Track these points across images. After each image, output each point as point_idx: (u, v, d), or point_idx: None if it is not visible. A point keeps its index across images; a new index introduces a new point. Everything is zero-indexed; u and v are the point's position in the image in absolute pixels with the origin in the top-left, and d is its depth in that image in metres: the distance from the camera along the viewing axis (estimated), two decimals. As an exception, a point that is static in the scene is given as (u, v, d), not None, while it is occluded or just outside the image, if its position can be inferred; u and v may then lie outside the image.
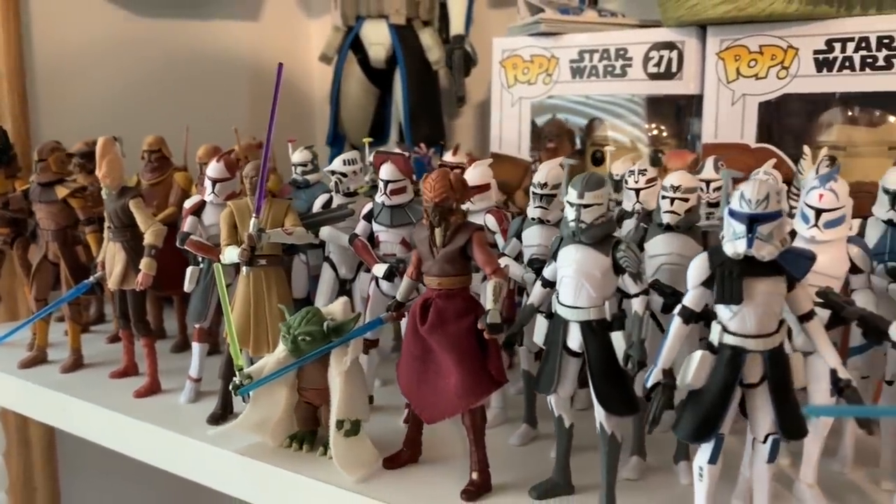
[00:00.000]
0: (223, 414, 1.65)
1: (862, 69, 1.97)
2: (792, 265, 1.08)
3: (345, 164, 1.79)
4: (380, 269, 1.60)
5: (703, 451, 1.15)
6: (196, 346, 1.79)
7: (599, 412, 1.25)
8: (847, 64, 1.98)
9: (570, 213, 1.23)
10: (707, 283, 1.11)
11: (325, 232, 1.77)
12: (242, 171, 1.62)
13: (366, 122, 2.99)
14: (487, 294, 1.31)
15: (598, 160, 2.47)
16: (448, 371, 1.35)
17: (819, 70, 2.02)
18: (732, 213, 1.08)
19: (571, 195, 1.22)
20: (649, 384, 1.13)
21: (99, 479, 2.73)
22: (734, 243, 1.07)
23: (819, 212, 1.24)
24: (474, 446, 1.37)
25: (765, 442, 1.14)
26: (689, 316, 1.13)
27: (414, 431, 1.48)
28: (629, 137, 2.41)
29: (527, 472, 1.43)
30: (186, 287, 1.75)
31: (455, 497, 1.36)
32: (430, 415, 1.40)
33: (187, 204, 1.75)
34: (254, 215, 1.53)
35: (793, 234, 1.30)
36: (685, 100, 2.24)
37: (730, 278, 1.07)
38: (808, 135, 2.13)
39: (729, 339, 1.11)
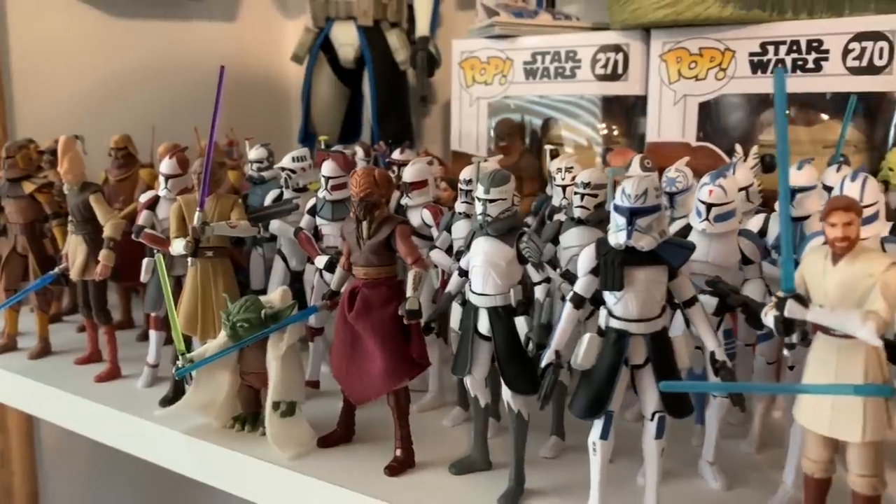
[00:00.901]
0: (174, 397, 1.74)
1: (793, 71, 2.05)
2: (670, 255, 1.17)
3: (294, 160, 1.89)
4: (321, 261, 1.70)
5: (596, 428, 1.24)
6: (153, 334, 1.89)
7: (506, 392, 1.35)
8: (780, 66, 2.07)
9: (478, 208, 1.33)
10: (595, 272, 1.20)
11: (275, 225, 1.87)
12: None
13: (336, 120, 3.09)
14: (408, 282, 1.41)
15: (555, 157, 2.56)
16: (373, 355, 1.44)
17: (754, 71, 2.11)
18: (615, 207, 1.17)
19: (479, 191, 1.32)
20: (542, 365, 1.23)
21: (78, 465, 2.83)
22: (616, 235, 1.17)
23: (709, 206, 1.33)
24: (398, 425, 1.47)
25: (652, 419, 1.23)
26: (579, 302, 1.22)
27: (347, 412, 1.58)
28: (584, 137, 2.50)
29: (455, 450, 1.53)
30: (142, 277, 1.85)
31: (381, 472, 1.45)
32: (358, 396, 1.50)
33: (142, 199, 1.85)
34: (198, 209, 1.62)
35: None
36: (633, 100, 2.33)
37: (612, 267, 1.17)
38: (748, 134, 2.22)
39: (614, 323, 1.20)
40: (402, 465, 1.45)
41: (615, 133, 2.47)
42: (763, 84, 2.10)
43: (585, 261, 1.21)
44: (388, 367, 1.43)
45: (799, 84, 2.05)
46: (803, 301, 1.04)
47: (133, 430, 1.72)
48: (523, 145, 2.45)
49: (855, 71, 1.98)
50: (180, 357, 1.56)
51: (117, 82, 2.90)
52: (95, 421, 1.80)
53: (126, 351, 2.01)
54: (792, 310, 1.04)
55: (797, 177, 1.46)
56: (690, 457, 1.48)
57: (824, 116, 2.11)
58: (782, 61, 2.06)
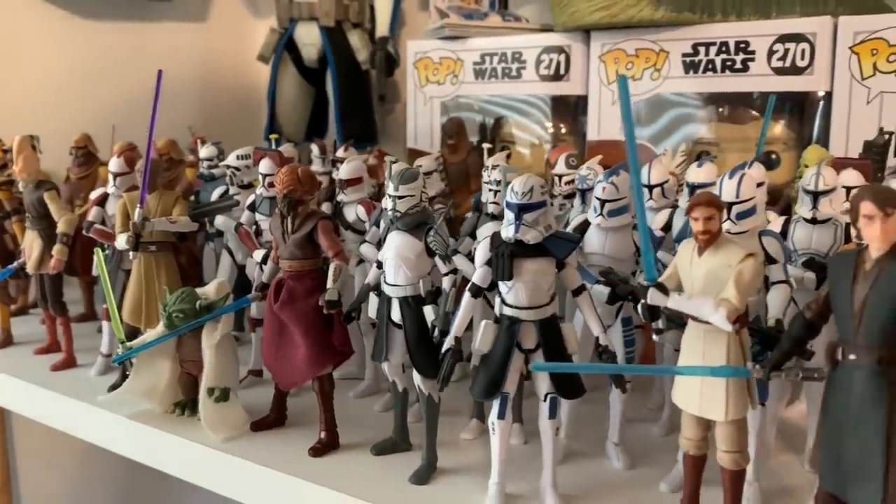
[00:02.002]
0: (122, 384, 1.83)
1: (723, 71, 2.14)
2: (555, 248, 1.26)
3: (238, 158, 1.98)
4: (258, 255, 1.78)
5: (494, 408, 1.33)
6: (105, 325, 1.97)
7: (416, 376, 1.44)
8: (710, 66, 2.15)
9: (388, 204, 1.41)
10: (490, 263, 1.29)
11: (220, 221, 1.96)
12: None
13: (302, 118, 3.18)
14: (329, 275, 1.49)
15: (507, 156, 2.64)
16: (298, 343, 1.53)
17: (686, 72, 2.19)
18: (507, 204, 1.26)
19: (390, 188, 1.41)
20: (443, 350, 1.31)
21: (52, 457, 2.91)
22: (507, 229, 1.26)
23: (603, 202, 1.41)
24: (322, 409, 1.56)
25: (545, 400, 1.32)
26: (476, 291, 1.31)
27: (279, 398, 1.67)
28: (534, 135, 2.58)
29: (383, 433, 1.61)
30: (94, 271, 1.93)
31: (307, 454, 1.54)
32: (285, 382, 1.59)
33: (92, 196, 1.94)
34: (138, 206, 1.71)
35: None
36: (575, 99, 2.41)
37: (503, 259, 1.25)
38: (683, 132, 2.30)
39: (507, 311, 1.29)
40: (325, 447, 1.54)
41: (563, 131, 2.55)
42: (696, 84, 2.18)
43: (481, 253, 1.30)
44: (311, 354, 1.52)
45: (728, 84, 2.13)
46: (664, 290, 1.13)
47: (81, 415, 1.81)
48: (471, 143, 2.53)
49: (779, 71, 2.06)
50: (120, 345, 1.65)
51: (83, 82, 2.97)
52: (47, 407, 1.89)
53: (86, 342, 2.10)
54: (653, 297, 1.13)
55: (697, 174, 1.55)
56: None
57: (755, 114, 2.19)
58: (712, 62, 2.14)
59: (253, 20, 3.67)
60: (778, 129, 2.22)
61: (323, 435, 1.55)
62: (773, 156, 2.09)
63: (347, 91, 3.02)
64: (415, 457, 1.51)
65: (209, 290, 1.67)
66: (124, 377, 1.85)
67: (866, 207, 0.96)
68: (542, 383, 1.32)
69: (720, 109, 2.25)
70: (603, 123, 2.34)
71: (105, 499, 3.12)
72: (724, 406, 1.15)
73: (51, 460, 2.93)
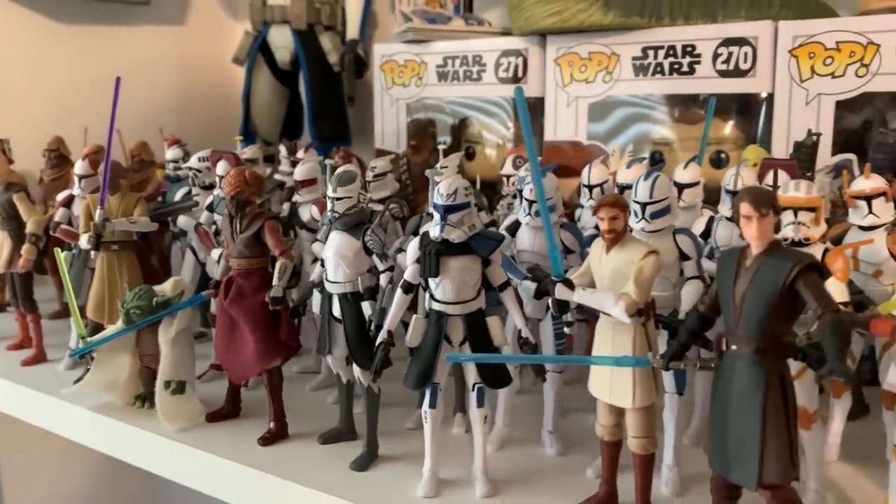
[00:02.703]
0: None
1: (671, 74, 2.21)
2: (479, 246, 1.34)
3: (199, 160, 2.05)
4: (215, 253, 1.84)
5: (426, 398, 1.41)
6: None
7: (356, 369, 1.51)
8: (659, 69, 2.22)
9: (328, 205, 1.49)
10: (419, 261, 1.36)
11: (182, 221, 2.03)
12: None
13: (276, 119, 3.25)
14: (275, 272, 1.57)
15: (471, 156, 2.72)
16: (247, 338, 1.61)
17: (636, 74, 2.26)
18: (434, 205, 1.33)
19: (329, 190, 1.48)
20: (376, 343, 1.39)
21: (35, 456, 2.99)
22: (433, 229, 1.33)
23: (531, 203, 1.49)
24: (271, 401, 1.64)
25: (473, 390, 1.39)
26: (408, 287, 1.39)
27: (232, 390, 1.74)
28: (498, 135, 2.66)
29: (332, 424, 1.69)
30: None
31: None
32: (236, 375, 1.67)
33: (59, 197, 2.01)
34: (99, 207, 1.78)
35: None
36: (533, 101, 2.48)
37: (429, 257, 1.33)
38: (639, 132, 2.37)
39: (435, 306, 1.37)
40: (274, 437, 1.62)
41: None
42: (645, 86, 2.26)
43: (411, 252, 1.37)
44: (259, 349, 1.59)
45: (676, 86, 2.21)
46: (570, 285, 1.21)
47: (47, 408, 1.88)
48: (433, 144, 2.60)
49: (724, 74, 2.13)
50: (80, 340, 1.72)
51: (59, 85, 3.03)
52: (15, 400, 1.97)
53: (59, 338, 2.18)
54: (560, 292, 1.21)
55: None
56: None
57: (704, 115, 2.26)
58: (661, 65, 2.22)
59: (231, 23, 3.74)
60: (728, 129, 2.29)
61: (272, 425, 1.63)
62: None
63: (319, 92, 3.09)
64: (360, 445, 1.59)
65: (166, 288, 1.74)
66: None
67: (744, 208, 1.03)
68: (470, 374, 1.39)
69: (672, 110, 2.32)
70: (559, 125, 2.42)
71: (87, 493, 3.20)
72: (632, 394, 1.23)
73: (32, 455, 3.00)
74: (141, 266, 2.01)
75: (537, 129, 2.51)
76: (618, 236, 1.22)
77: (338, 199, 1.47)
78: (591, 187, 1.78)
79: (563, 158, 2.37)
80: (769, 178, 1.60)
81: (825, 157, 2.01)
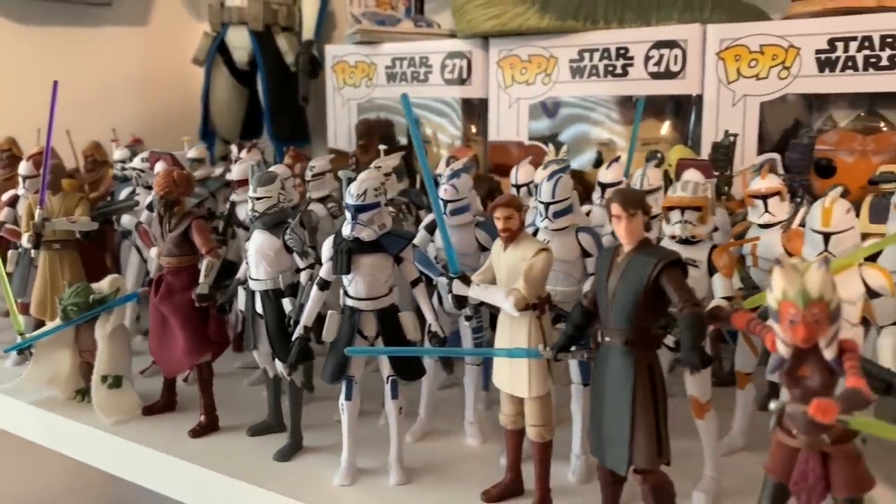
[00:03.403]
0: (30, 373, 1.96)
1: (605, 76, 2.27)
2: (390, 244, 1.40)
3: (142, 161, 2.10)
4: (154, 251, 1.90)
5: (342, 391, 1.47)
6: (21, 319, 2.09)
7: (278, 364, 1.57)
8: (594, 71, 2.29)
9: (249, 205, 1.54)
10: (332, 259, 1.42)
11: (125, 220, 2.08)
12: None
13: (235, 119, 3.29)
14: (202, 270, 1.62)
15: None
16: (176, 334, 1.66)
17: (573, 76, 2.32)
18: (345, 205, 1.39)
19: (250, 190, 1.53)
20: (293, 338, 1.45)
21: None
22: (345, 227, 1.39)
23: (446, 203, 1.55)
24: (202, 395, 1.69)
25: (387, 382, 1.46)
26: (323, 284, 1.45)
27: (168, 385, 1.80)
28: (449, 135, 2.72)
29: (263, 417, 1.74)
30: (7, 268, 2.05)
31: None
32: (168, 370, 1.72)
33: (3, 197, 2.06)
34: (38, 207, 1.83)
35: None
36: (477, 102, 2.54)
37: (341, 254, 1.39)
38: (581, 134, 2.44)
39: (349, 302, 1.42)
40: (204, 429, 1.67)
41: (473, 132, 2.69)
42: (582, 88, 2.32)
43: (325, 250, 1.43)
44: (188, 345, 1.65)
45: (610, 87, 2.27)
46: (466, 280, 1.27)
47: (-7, 404, 1.93)
48: (379, 143, 2.64)
49: (655, 76, 2.20)
50: (19, 336, 1.77)
51: (19, 86, 3.07)
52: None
53: (9, 335, 2.22)
54: (457, 288, 1.27)
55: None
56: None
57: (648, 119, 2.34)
58: (596, 67, 2.28)
59: (193, 24, 3.77)
60: (664, 129, 2.36)
61: (203, 418, 1.69)
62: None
63: (276, 92, 3.14)
64: (286, 437, 1.64)
65: (103, 285, 1.79)
66: (35, 367, 1.98)
67: (614, 209, 1.09)
68: (384, 367, 1.45)
69: (611, 112, 2.39)
70: (502, 125, 2.48)
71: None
72: (528, 384, 1.29)
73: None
74: (94, 265, 2.07)
75: (482, 130, 2.58)
76: (513, 235, 1.28)
77: (258, 198, 1.52)
78: (518, 186, 1.85)
79: (506, 158, 2.43)
80: (688, 176, 1.67)
81: (752, 156, 2.09)
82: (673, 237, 1.32)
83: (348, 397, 1.46)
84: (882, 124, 2.01)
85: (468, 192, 1.55)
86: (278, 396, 1.68)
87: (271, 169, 1.60)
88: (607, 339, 1.13)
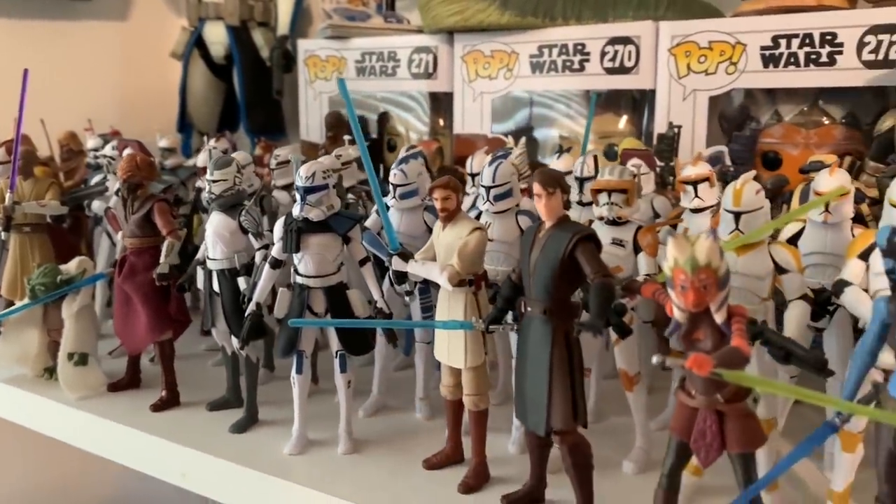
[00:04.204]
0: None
1: (563, 71, 2.35)
2: (337, 224, 1.47)
3: (112, 149, 2.17)
4: (121, 235, 1.97)
5: (293, 365, 1.54)
6: (-8, 300, 2.16)
7: (234, 340, 1.64)
8: (553, 66, 2.37)
9: (206, 187, 1.62)
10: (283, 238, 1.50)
11: (96, 205, 2.15)
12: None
13: (212, 112, 3.36)
14: (162, 251, 1.70)
15: (392, 147, 2.85)
16: (139, 313, 1.74)
17: (533, 72, 2.40)
18: (296, 187, 1.47)
19: (207, 174, 1.61)
20: (246, 314, 1.52)
21: None
22: (295, 208, 1.46)
23: (395, 186, 1.62)
24: (163, 371, 1.76)
25: (336, 356, 1.53)
26: (274, 263, 1.52)
27: (132, 362, 1.87)
28: (417, 129, 2.79)
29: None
30: (-21, 252, 2.12)
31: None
32: (131, 347, 1.80)
33: (-24, 183, 2.12)
34: (9, 191, 1.90)
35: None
36: (443, 96, 2.62)
37: (291, 234, 1.46)
38: (549, 126, 2.52)
39: (298, 279, 1.50)
40: (165, 404, 1.75)
41: (441, 125, 2.77)
42: (542, 83, 2.40)
43: (277, 230, 1.50)
44: (150, 322, 1.72)
45: (568, 82, 2.35)
46: (405, 257, 1.35)
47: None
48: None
49: (610, 71, 2.28)
50: (-12, 316, 1.84)
51: (3, 79, 3.13)
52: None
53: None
54: (396, 264, 1.35)
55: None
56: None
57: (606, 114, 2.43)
58: (555, 62, 2.36)
59: (174, 19, 3.83)
60: (622, 123, 2.45)
61: (164, 394, 1.76)
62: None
63: (252, 86, 3.21)
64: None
65: (70, 267, 1.86)
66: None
67: (535, 188, 1.17)
68: (334, 342, 1.53)
69: (577, 106, 2.47)
70: (466, 118, 2.55)
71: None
72: (464, 355, 1.37)
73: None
74: (70, 252, 2.13)
75: (448, 123, 2.65)
76: (450, 214, 1.35)
77: (214, 181, 1.60)
78: (472, 175, 1.92)
79: (472, 150, 2.50)
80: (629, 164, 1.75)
81: (701, 148, 2.16)
82: (601, 218, 1.40)
83: (299, 371, 1.53)
84: (824, 118, 2.09)
85: (416, 177, 1.63)
86: (237, 373, 1.75)
87: (231, 155, 1.67)
88: (529, 309, 1.21)
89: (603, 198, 1.39)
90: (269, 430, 1.65)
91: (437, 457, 1.47)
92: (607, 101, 2.45)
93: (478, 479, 1.39)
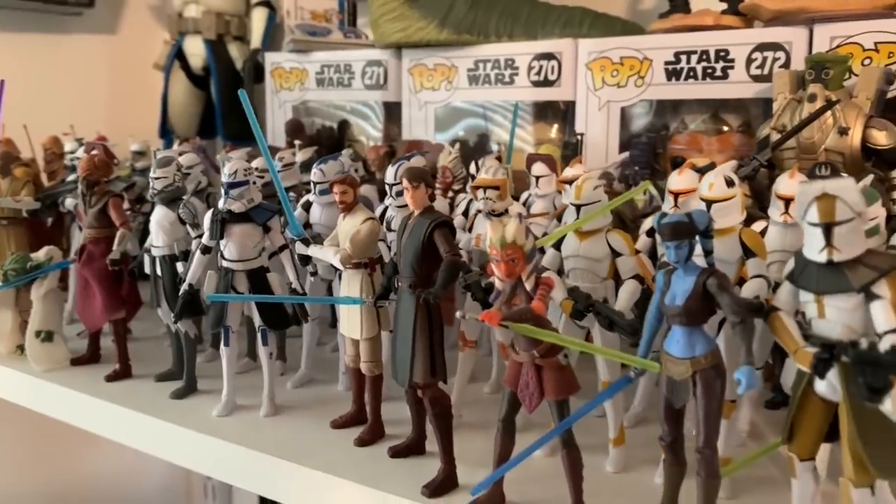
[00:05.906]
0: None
1: (496, 83, 2.58)
2: (257, 215, 1.71)
3: (84, 151, 2.41)
4: (88, 228, 2.22)
5: (221, 339, 1.77)
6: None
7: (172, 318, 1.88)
8: (487, 79, 2.60)
9: (151, 183, 1.86)
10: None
11: (69, 202, 2.39)
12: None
13: (191, 119, 3.62)
14: (115, 240, 1.94)
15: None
16: (95, 295, 1.97)
17: (470, 84, 2.63)
18: (222, 182, 1.70)
19: (151, 171, 1.85)
20: (180, 294, 1.76)
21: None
22: (220, 201, 1.70)
23: (315, 184, 1.85)
24: (117, 346, 2.00)
25: (258, 331, 1.76)
26: (204, 249, 1.75)
27: (93, 340, 2.10)
28: (372, 136, 3.03)
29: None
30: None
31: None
32: (89, 325, 2.04)
33: (-38, 180, 2.37)
34: (-15, 188, 2.16)
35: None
36: (393, 105, 2.85)
37: (216, 223, 1.69)
38: (485, 135, 2.75)
39: (224, 263, 1.73)
40: (118, 375, 1.98)
41: (394, 132, 3.00)
42: (478, 94, 2.63)
43: (206, 220, 1.74)
44: (105, 303, 1.96)
45: (500, 94, 2.58)
46: (307, 242, 1.58)
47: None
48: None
49: (536, 84, 2.50)
50: (-37, 298, 2.09)
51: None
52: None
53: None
54: (299, 248, 1.58)
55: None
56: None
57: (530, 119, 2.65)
58: (489, 75, 2.59)
59: (161, 33, 4.10)
60: (553, 132, 2.67)
61: (118, 367, 1.99)
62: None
63: (228, 96, 3.46)
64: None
65: (39, 255, 2.10)
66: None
67: (404, 182, 1.40)
68: (256, 320, 1.76)
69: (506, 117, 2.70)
70: (412, 126, 2.79)
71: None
72: (360, 328, 1.59)
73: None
74: (50, 242, 2.37)
75: (398, 130, 2.89)
76: (348, 206, 1.58)
77: (157, 178, 1.84)
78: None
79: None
80: (536, 169, 1.97)
81: (614, 154, 2.39)
82: (478, 211, 1.63)
83: (226, 344, 1.77)
84: (724, 127, 2.31)
85: (333, 175, 1.86)
86: (181, 348, 1.99)
87: (168, 153, 1.91)
88: (400, 283, 1.43)
89: (480, 193, 1.62)
90: (206, 398, 1.88)
91: (342, 417, 1.69)
92: (541, 111, 2.67)
93: (372, 435, 1.61)
